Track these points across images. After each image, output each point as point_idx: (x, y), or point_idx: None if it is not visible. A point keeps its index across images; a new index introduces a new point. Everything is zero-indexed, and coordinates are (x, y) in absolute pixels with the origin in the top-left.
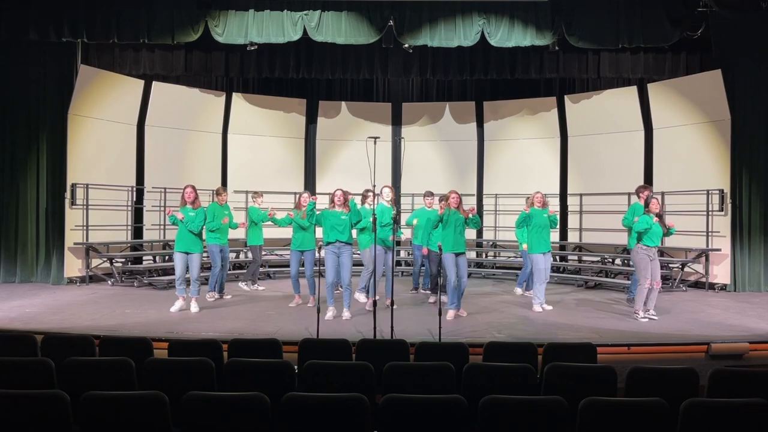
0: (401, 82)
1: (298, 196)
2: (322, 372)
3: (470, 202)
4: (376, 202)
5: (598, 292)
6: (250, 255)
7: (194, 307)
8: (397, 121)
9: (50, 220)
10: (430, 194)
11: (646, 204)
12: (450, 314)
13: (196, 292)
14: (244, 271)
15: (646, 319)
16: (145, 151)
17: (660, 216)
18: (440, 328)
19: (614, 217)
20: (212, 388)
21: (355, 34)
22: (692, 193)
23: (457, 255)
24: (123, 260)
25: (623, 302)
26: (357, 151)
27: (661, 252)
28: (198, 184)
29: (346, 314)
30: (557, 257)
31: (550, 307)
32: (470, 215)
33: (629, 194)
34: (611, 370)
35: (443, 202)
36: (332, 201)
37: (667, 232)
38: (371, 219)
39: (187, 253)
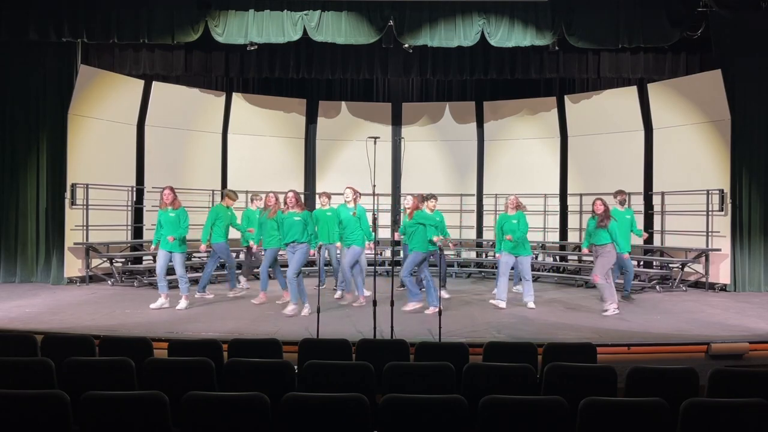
0: (401, 82)
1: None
2: (322, 372)
3: (470, 202)
4: (376, 202)
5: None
6: (241, 256)
7: (181, 305)
8: (397, 121)
9: (50, 220)
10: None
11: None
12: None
13: (186, 290)
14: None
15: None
16: (145, 151)
17: (602, 216)
18: (440, 328)
19: None
20: (212, 388)
21: (355, 34)
22: (692, 193)
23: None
24: (123, 260)
25: (623, 302)
26: (357, 151)
27: (661, 252)
28: (198, 184)
29: (290, 309)
30: (557, 257)
31: (503, 306)
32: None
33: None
34: (611, 370)
35: (414, 200)
36: (285, 203)
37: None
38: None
39: (171, 252)
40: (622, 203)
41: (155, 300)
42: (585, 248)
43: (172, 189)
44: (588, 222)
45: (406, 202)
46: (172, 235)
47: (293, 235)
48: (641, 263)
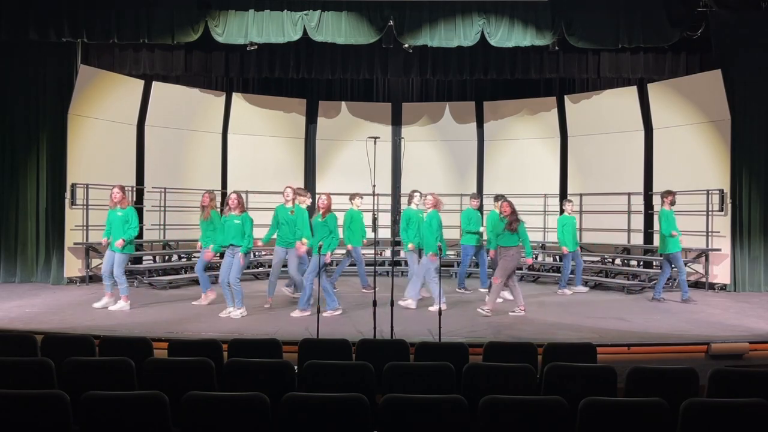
0: (401, 82)
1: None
2: (322, 372)
3: (470, 202)
4: (375, 202)
5: (598, 292)
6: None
7: (119, 305)
8: (397, 121)
9: (50, 220)
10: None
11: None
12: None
13: (125, 291)
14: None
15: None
16: (145, 151)
17: (511, 219)
18: (440, 328)
19: (614, 217)
20: (212, 388)
21: (355, 34)
22: (692, 193)
23: None
24: None
25: (623, 302)
26: (357, 151)
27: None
28: (198, 184)
29: (231, 312)
30: (557, 257)
31: (444, 307)
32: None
33: (629, 194)
34: (611, 370)
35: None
36: (227, 204)
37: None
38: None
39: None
40: (672, 204)
41: (156, 300)
42: (492, 249)
43: (121, 188)
44: (494, 224)
45: (320, 200)
46: (120, 236)
47: (232, 238)
48: (641, 263)
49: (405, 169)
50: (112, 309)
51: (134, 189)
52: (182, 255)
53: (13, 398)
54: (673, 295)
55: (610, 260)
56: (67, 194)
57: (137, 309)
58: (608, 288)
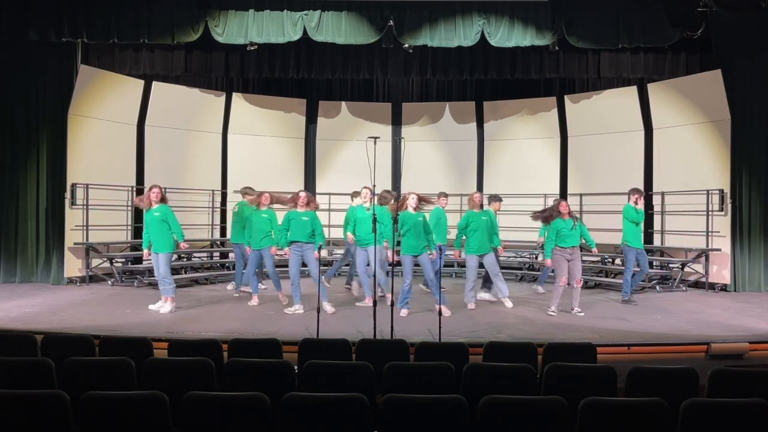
0: (401, 82)
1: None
2: (322, 372)
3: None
4: (371, 201)
5: (598, 292)
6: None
7: (166, 308)
8: (397, 121)
9: (50, 220)
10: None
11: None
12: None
13: (172, 291)
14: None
15: (555, 314)
16: (145, 151)
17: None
18: (440, 328)
19: (614, 217)
20: (212, 388)
21: (355, 34)
22: (692, 193)
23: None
24: (123, 260)
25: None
26: (357, 151)
27: (661, 252)
28: (198, 184)
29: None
30: None
31: (472, 306)
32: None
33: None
34: (611, 370)
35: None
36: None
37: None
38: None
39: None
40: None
41: (156, 300)
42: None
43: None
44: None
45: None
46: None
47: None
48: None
49: (405, 169)
50: (153, 308)
51: (134, 189)
52: (182, 255)
53: (13, 398)
54: (675, 296)
55: (610, 260)
56: (67, 194)
57: (137, 309)
58: (608, 288)
